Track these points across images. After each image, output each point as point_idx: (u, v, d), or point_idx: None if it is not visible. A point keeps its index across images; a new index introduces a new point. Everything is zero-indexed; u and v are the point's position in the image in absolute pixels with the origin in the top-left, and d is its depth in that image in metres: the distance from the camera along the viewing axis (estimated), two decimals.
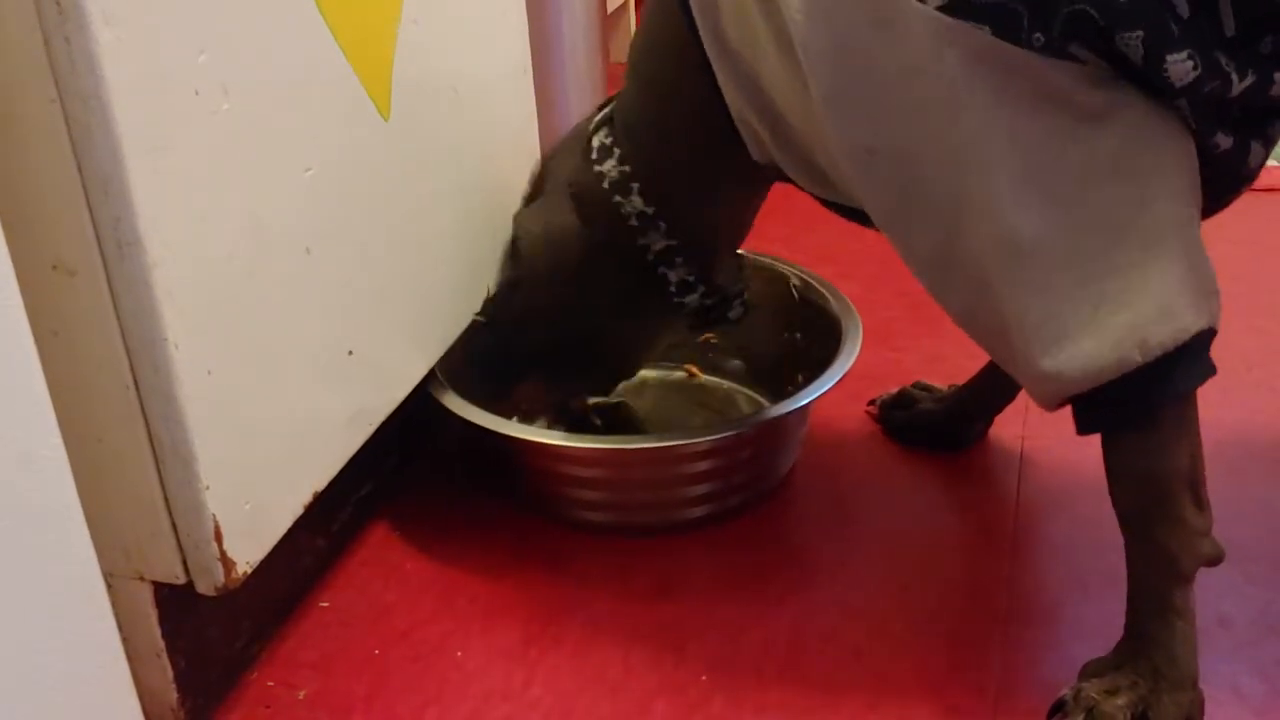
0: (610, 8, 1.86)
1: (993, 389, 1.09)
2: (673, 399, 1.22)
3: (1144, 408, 0.75)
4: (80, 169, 0.67)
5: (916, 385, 1.15)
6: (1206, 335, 0.73)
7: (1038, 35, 0.70)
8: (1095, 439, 0.80)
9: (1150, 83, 0.71)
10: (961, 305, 0.79)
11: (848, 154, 0.78)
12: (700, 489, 1.02)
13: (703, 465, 1.01)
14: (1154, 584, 0.79)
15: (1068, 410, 0.78)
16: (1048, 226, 0.72)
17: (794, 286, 1.17)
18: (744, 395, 1.21)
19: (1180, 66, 0.69)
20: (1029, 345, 0.75)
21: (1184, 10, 0.69)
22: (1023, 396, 1.09)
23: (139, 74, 0.67)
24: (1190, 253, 0.73)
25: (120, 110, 0.66)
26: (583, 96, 1.50)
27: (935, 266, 0.79)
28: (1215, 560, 0.79)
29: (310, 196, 0.83)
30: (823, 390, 1.01)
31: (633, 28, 2.16)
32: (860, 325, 1.08)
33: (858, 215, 0.88)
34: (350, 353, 0.90)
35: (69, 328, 0.72)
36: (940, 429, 1.11)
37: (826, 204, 0.91)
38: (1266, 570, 0.78)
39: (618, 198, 0.97)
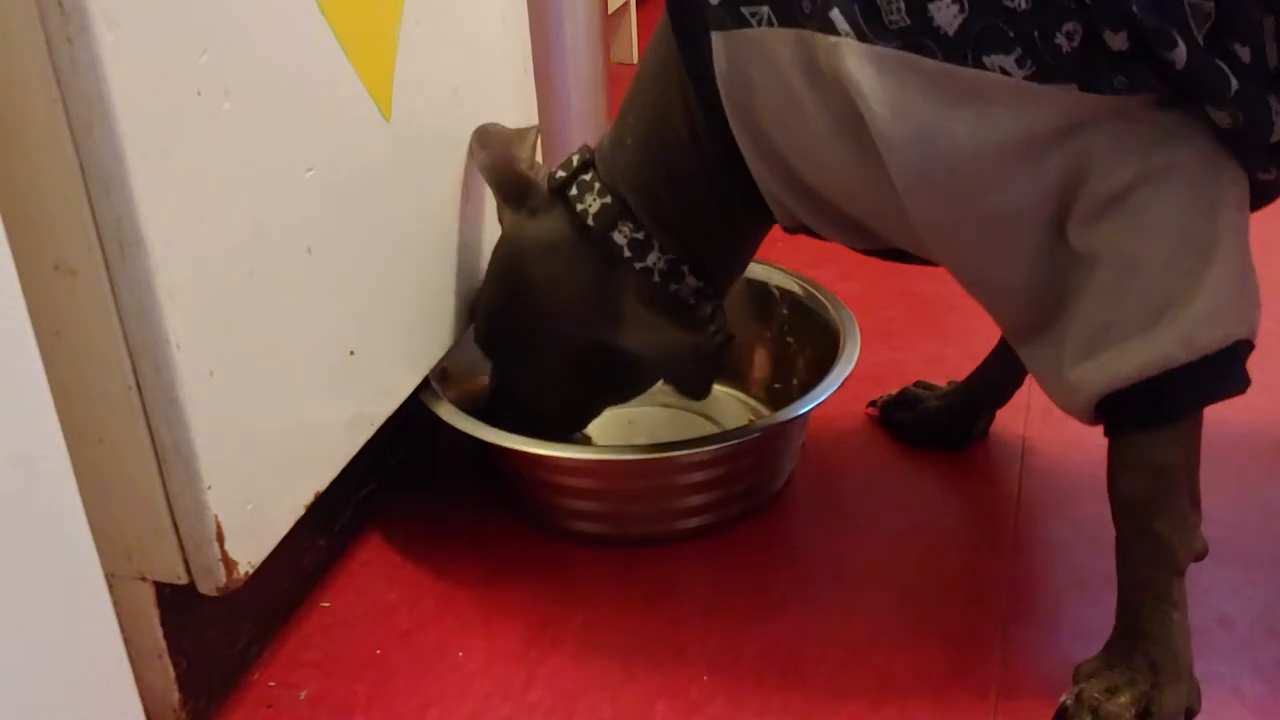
0: (611, 8, 1.86)
1: (994, 383, 1.09)
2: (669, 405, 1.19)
3: (1177, 408, 0.76)
4: (82, 169, 0.67)
5: (917, 385, 1.15)
6: (1245, 346, 0.74)
7: (1120, 79, 0.72)
8: (1096, 439, 0.80)
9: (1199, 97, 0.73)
10: (1032, 321, 0.80)
11: (928, 231, 0.78)
12: (696, 500, 1.01)
13: (699, 476, 1.00)
14: (1152, 577, 0.80)
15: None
16: (1122, 237, 0.74)
17: (775, 290, 1.16)
18: (738, 401, 1.19)
19: (1222, 118, 0.72)
20: (1080, 353, 0.76)
21: (1246, 59, 0.71)
22: (1023, 395, 1.09)
23: (141, 75, 0.67)
24: (1242, 261, 0.74)
25: (122, 111, 0.66)
26: (583, 96, 1.50)
27: (1013, 302, 0.80)
28: (1202, 554, 0.81)
29: (312, 197, 0.83)
30: (821, 399, 1.00)
31: (634, 28, 2.16)
32: (857, 330, 1.07)
33: (896, 255, 0.90)
34: (352, 353, 0.90)
35: (71, 328, 0.72)
36: (943, 427, 1.11)
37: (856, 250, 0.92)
38: (1267, 571, 0.79)
39: (611, 233, 0.94)
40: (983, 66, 0.72)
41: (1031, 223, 0.76)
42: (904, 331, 1.28)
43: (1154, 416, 0.76)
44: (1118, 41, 0.70)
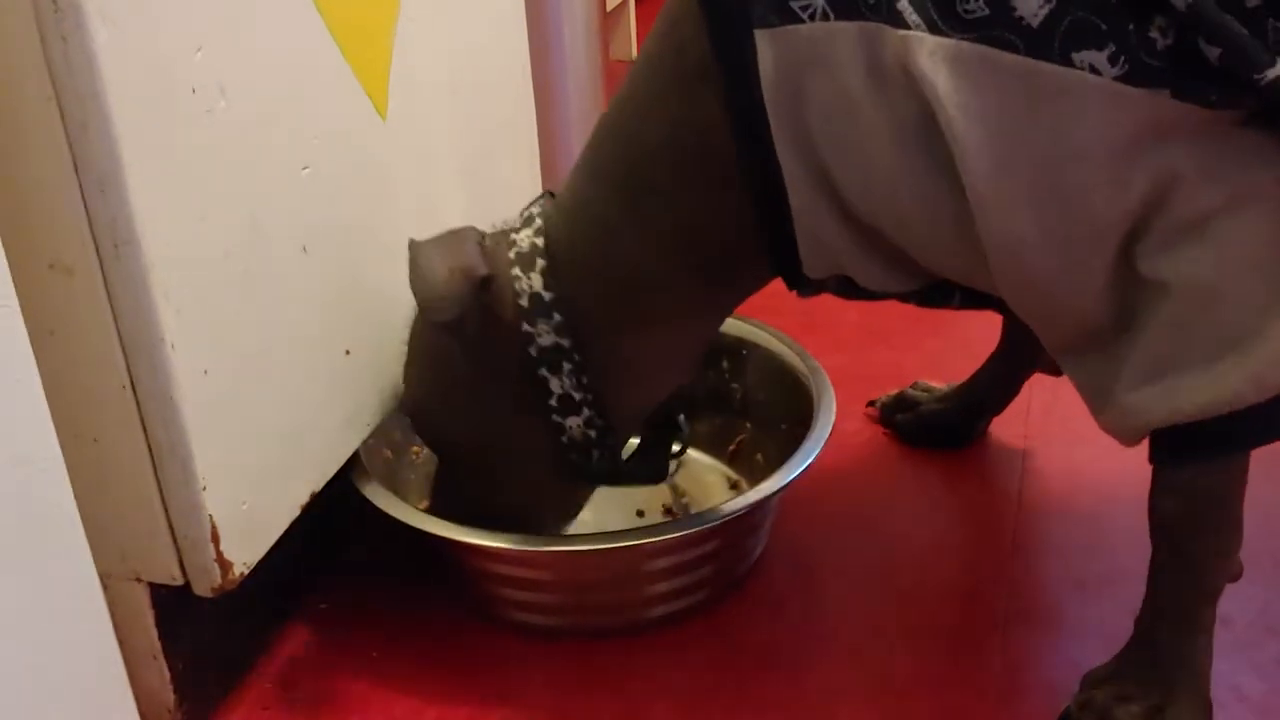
0: (609, 6, 1.85)
1: (994, 386, 1.08)
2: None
3: (1243, 443, 0.73)
4: (77, 168, 0.67)
5: (916, 386, 1.15)
6: None
7: (1215, 90, 0.66)
8: (1097, 439, 0.79)
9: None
10: (1091, 342, 0.74)
11: (996, 247, 0.71)
12: (659, 588, 0.92)
13: (664, 562, 0.90)
14: (1183, 597, 0.77)
15: (1069, 411, 0.77)
16: (1198, 268, 0.69)
17: (745, 348, 1.08)
18: (710, 468, 1.10)
19: None
20: (1137, 379, 0.71)
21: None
22: (1024, 395, 1.09)
23: (136, 72, 0.67)
24: None
25: (117, 109, 0.66)
26: (581, 95, 1.50)
27: (1075, 324, 0.74)
28: (1236, 576, 0.79)
29: (307, 196, 0.83)
30: (793, 476, 0.91)
31: (633, 26, 2.15)
32: (832, 395, 0.99)
33: (939, 296, 0.83)
34: (347, 353, 0.90)
35: (66, 327, 0.71)
36: (940, 429, 1.10)
37: (886, 297, 0.84)
38: (1267, 570, 0.78)
39: (526, 326, 0.83)
40: (1071, 64, 0.66)
41: (1111, 242, 0.70)
42: (904, 331, 1.28)
43: (1213, 453, 0.73)
44: (1213, 54, 0.64)
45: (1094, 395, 0.75)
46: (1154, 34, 0.65)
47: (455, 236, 0.85)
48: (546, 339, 0.83)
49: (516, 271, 0.83)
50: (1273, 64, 0.64)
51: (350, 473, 0.92)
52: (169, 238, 0.70)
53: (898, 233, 0.75)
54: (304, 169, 0.82)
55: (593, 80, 1.51)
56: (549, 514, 0.95)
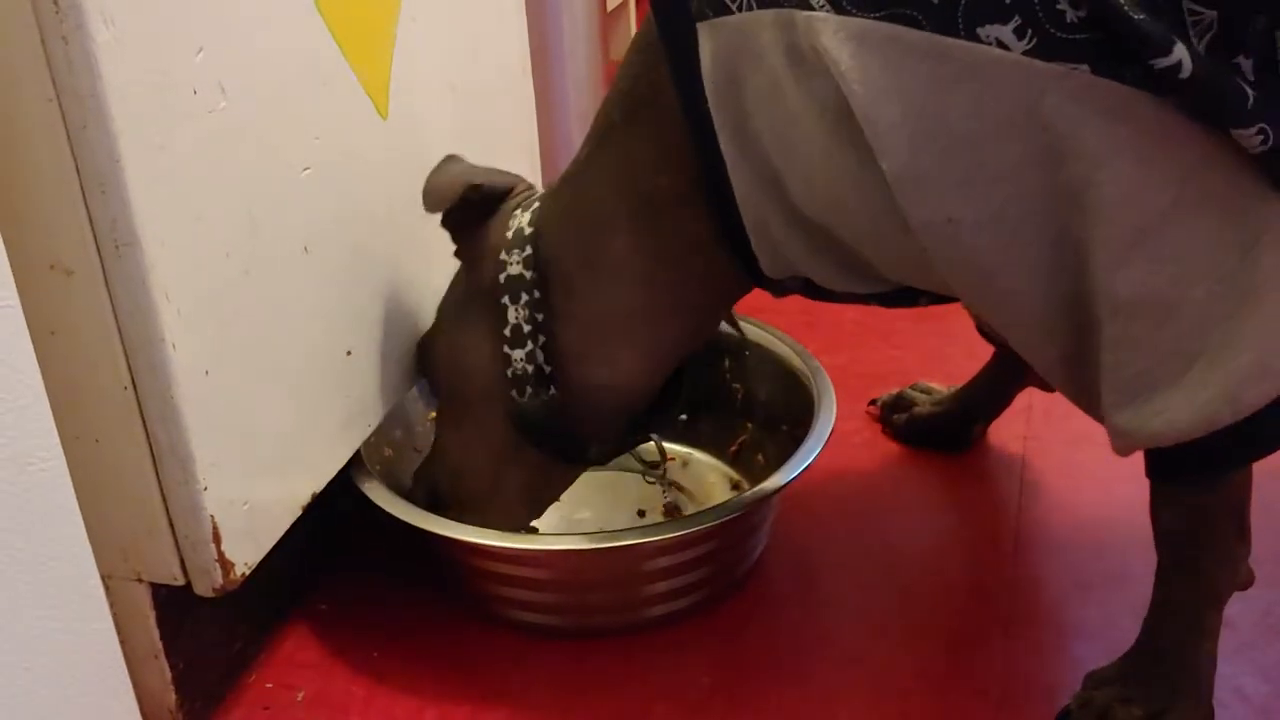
0: (610, 6, 1.85)
1: (993, 392, 1.08)
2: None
3: (1224, 464, 0.72)
4: (78, 168, 0.67)
5: (916, 387, 1.15)
6: None
7: (1136, 69, 0.64)
8: (1097, 439, 0.79)
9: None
10: (1060, 355, 0.73)
11: (924, 229, 0.70)
12: (658, 588, 0.92)
13: (663, 562, 0.90)
14: (1188, 605, 0.77)
15: (1069, 411, 0.77)
16: (1153, 282, 0.67)
17: (748, 348, 1.07)
18: (706, 464, 1.11)
19: (1248, 140, 0.64)
20: (1116, 396, 0.70)
21: (1251, 74, 0.64)
22: (1024, 395, 1.09)
23: (136, 73, 0.67)
24: None
25: (117, 109, 0.65)
26: (581, 95, 1.50)
27: (1032, 324, 0.73)
28: (1246, 585, 0.78)
29: (308, 196, 0.83)
30: (794, 474, 0.92)
31: (632, 25, 2.15)
32: (833, 395, 0.99)
33: (903, 298, 0.82)
34: (349, 353, 0.90)
35: (66, 327, 0.71)
36: (939, 431, 1.10)
37: (854, 300, 0.84)
38: (1269, 571, 0.78)
39: (503, 255, 0.86)
40: (977, 39, 0.65)
41: (1040, 232, 0.69)
42: (905, 330, 1.28)
43: (1201, 473, 0.72)
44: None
45: (1088, 409, 0.75)
46: (1062, 6, 0.63)
47: (486, 169, 0.92)
48: (514, 269, 0.86)
49: (519, 212, 0.88)
50: (1168, 51, 0.62)
51: (350, 470, 0.92)
52: (169, 238, 0.70)
53: (845, 230, 0.75)
54: (305, 169, 0.82)
55: (593, 80, 1.51)
56: (511, 499, 0.94)
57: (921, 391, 1.14)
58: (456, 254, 0.92)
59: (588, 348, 0.87)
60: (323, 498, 0.88)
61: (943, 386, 1.13)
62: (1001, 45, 0.64)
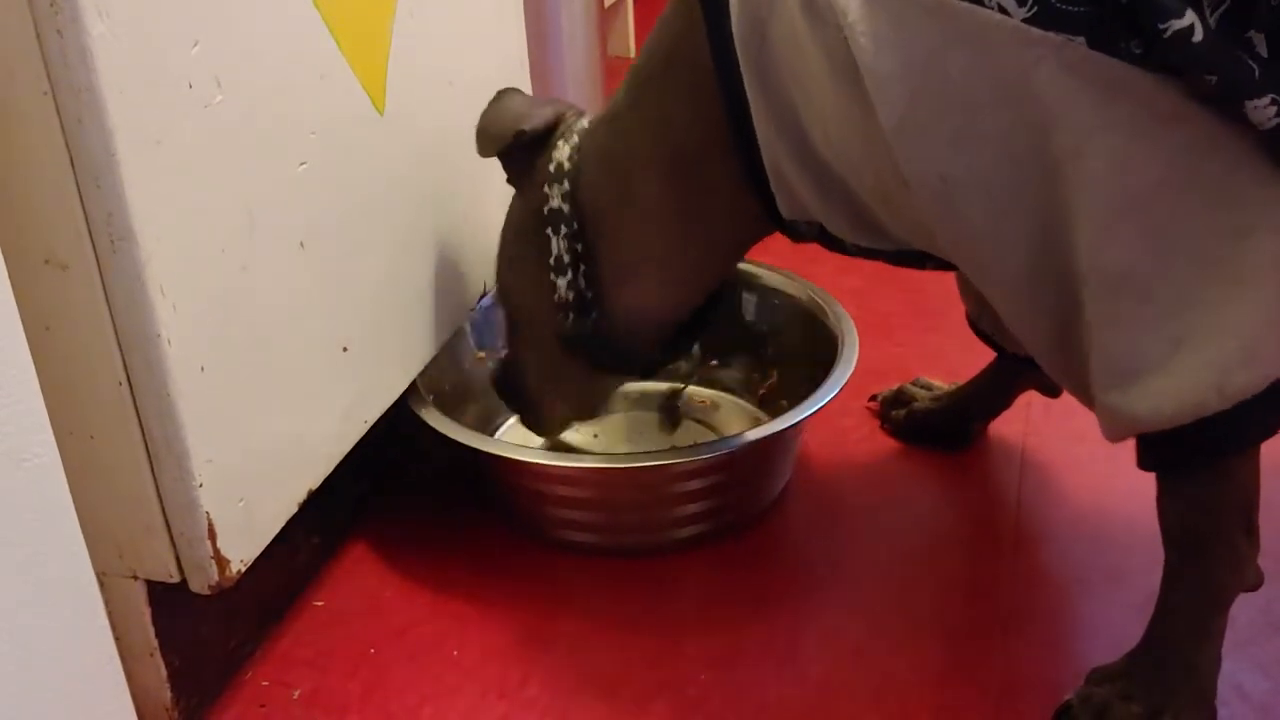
0: (607, 2, 1.85)
1: (993, 392, 1.08)
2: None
3: (1214, 453, 0.71)
4: (72, 162, 0.66)
5: (916, 383, 1.14)
6: None
7: (1135, 42, 0.65)
8: (1097, 437, 0.79)
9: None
10: (1048, 329, 0.74)
11: (920, 185, 0.72)
12: (692, 509, 0.99)
13: (693, 485, 0.98)
14: (1194, 606, 0.77)
15: (1069, 407, 0.77)
16: (1137, 257, 0.68)
17: (772, 291, 1.14)
18: (738, 407, 1.17)
19: (1261, 112, 0.64)
20: (1104, 377, 0.71)
21: (1263, 49, 0.64)
22: (1024, 394, 1.09)
23: (131, 66, 0.66)
24: None
25: (113, 103, 0.65)
26: (580, 90, 1.50)
27: (1020, 294, 0.74)
28: (1255, 586, 0.77)
29: (304, 190, 0.82)
30: (818, 406, 0.98)
31: (630, 21, 2.15)
32: (855, 335, 1.05)
33: (910, 259, 0.84)
34: (345, 349, 0.89)
35: (61, 323, 0.71)
36: (938, 428, 1.10)
37: (865, 255, 0.87)
38: (1267, 567, 0.78)
39: (545, 188, 0.91)
40: (980, 2, 0.66)
41: (1029, 199, 0.70)
42: (905, 326, 1.28)
43: (1190, 460, 0.72)
44: None
45: (1079, 392, 0.75)
46: None
47: (535, 103, 0.96)
48: (555, 202, 0.91)
49: (560, 143, 0.92)
50: (1180, 14, 0.62)
51: (407, 398, 1.00)
52: (165, 233, 0.70)
53: (854, 180, 0.78)
54: (301, 164, 0.82)
55: (591, 76, 1.51)
56: (564, 402, 1.02)
57: (922, 387, 1.14)
58: (509, 181, 0.97)
59: (622, 278, 0.92)
60: (319, 494, 0.88)
61: (943, 383, 1.13)
62: (1003, 10, 0.66)
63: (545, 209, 0.91)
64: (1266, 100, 0.64)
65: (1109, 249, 0.68)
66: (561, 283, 0.92)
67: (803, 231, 0.87)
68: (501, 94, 0.98)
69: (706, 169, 0.85)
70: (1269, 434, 0.71)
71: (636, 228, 0.90)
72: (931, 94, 0.69)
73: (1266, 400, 0.68)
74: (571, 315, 0.93)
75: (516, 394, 1.03)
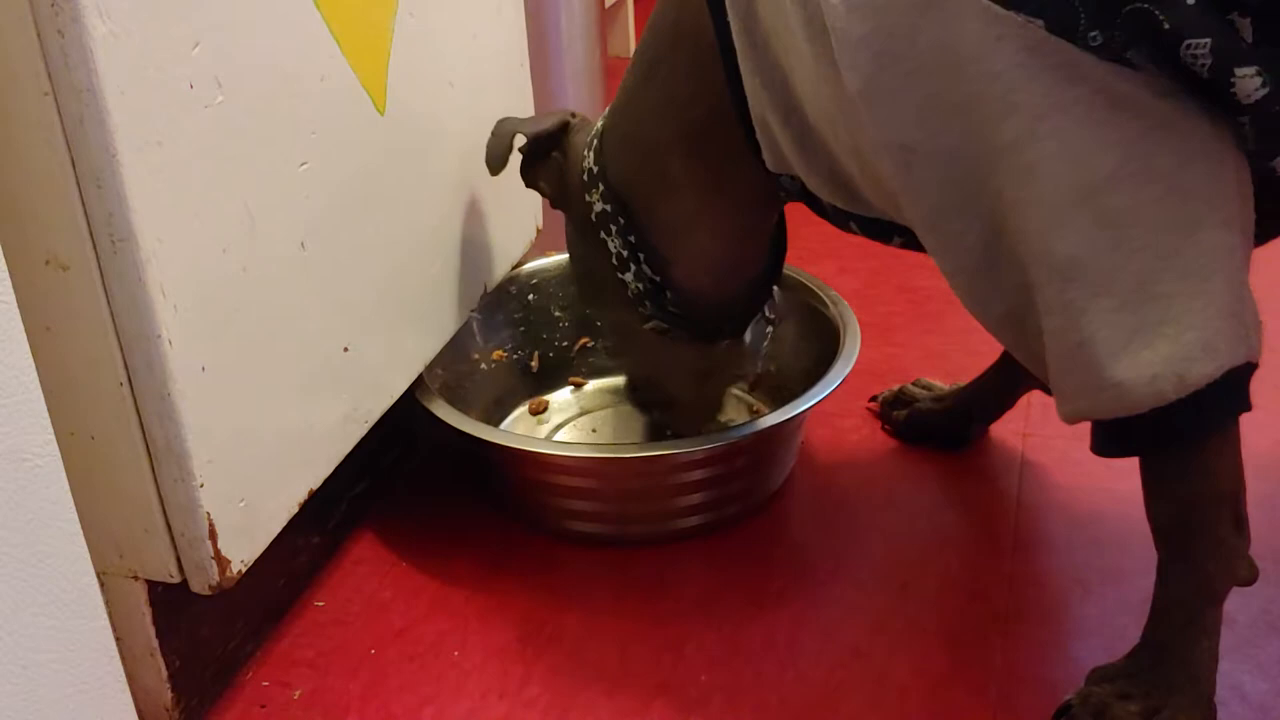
0: (607, 2, 1.85)
1: (995, 393, 1.08)
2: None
3: (1173, 439, 0.72)
4: (73, 163, 0.66)
5: (917, 383, 1.15)
6: (1246, 370, 0.70)
7: (1094, 34, 0.65)
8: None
9: (1215, 98, 0.67)
10: (1004, 311, 0.75)
11: (883, 151, 0.73)
12: (694, 499, 1.00)
13: (696, 475, 0.99)
14: (1185, 601, 0.77)
15: None
16: (1091, 246, 0.68)
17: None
18: (733, 396, 1.17)
19: (1248, 82, 0.65)
20: (1061, 364, 0.71)
21: (1249, 35, 0.64)
22: (1024, 395, 1.09)
23: (133, 67, 0.66)
24: (1235, 284, 0.69)
25: (114, 104, 0.65)
26: (580, 90, 1.49)
27: (976, 273, 0.75)
28: (1249, 581, 0.77)
29: (305, 191, 0.82)
30: (820, 397, 0.99)
31: (630, 21, 2.15)
32: (857, 327, 1.07)
33: (879, 230, 0.85)
34: (346, 349, 0.89)
35: (62, 324, 0.71)
36: (939, 429, 1.10)
37: (841, 221, 0.87)
38: (1268, 569, 0.78)
39: (586, 196, 0.95)
40: None
41: (985, 178, 0.70)
42: (904, 327, 1.28)
43: (1151, 445, 0.73)
44: None
45: (1039, 374, 0.76)
46: None
47: (528, 119, 1.01)
48: (599, 205, 0.95)
49: (586, 152, 0.96)
50: None
51: (414, 391, 1.02)
52: (166, 234, 0.70)
53: (834, 141, 0.79)
54: (302, 164, 0.82)
55: (591, 76, 1.51)
56: (684, 382, 1.04)
57: (922, 388, 1.14)
58: (554, 206, 1.02)
59: (676, 253, 0.95)
60: (319, 494, 0.88)
61: (944, 384, 1.13)
62: None
63: (592, 216, 0.95)
64: (1253, 70, 0.64)
65: (1061, 234, 0.69)
66: (629, 277, 0.96)
67: (787, 187, 0.88)
68: (499, 122, 1.02)
69: (718, 140, 0.87)
70: (1223, 423, 0.72)
71: (672, 206, 0.93)
72: (898, 60, 0.70)
73: (1221, 389, 0.69)
74: (648, 303, 0.97)
75: (659, 404, 1.07)
